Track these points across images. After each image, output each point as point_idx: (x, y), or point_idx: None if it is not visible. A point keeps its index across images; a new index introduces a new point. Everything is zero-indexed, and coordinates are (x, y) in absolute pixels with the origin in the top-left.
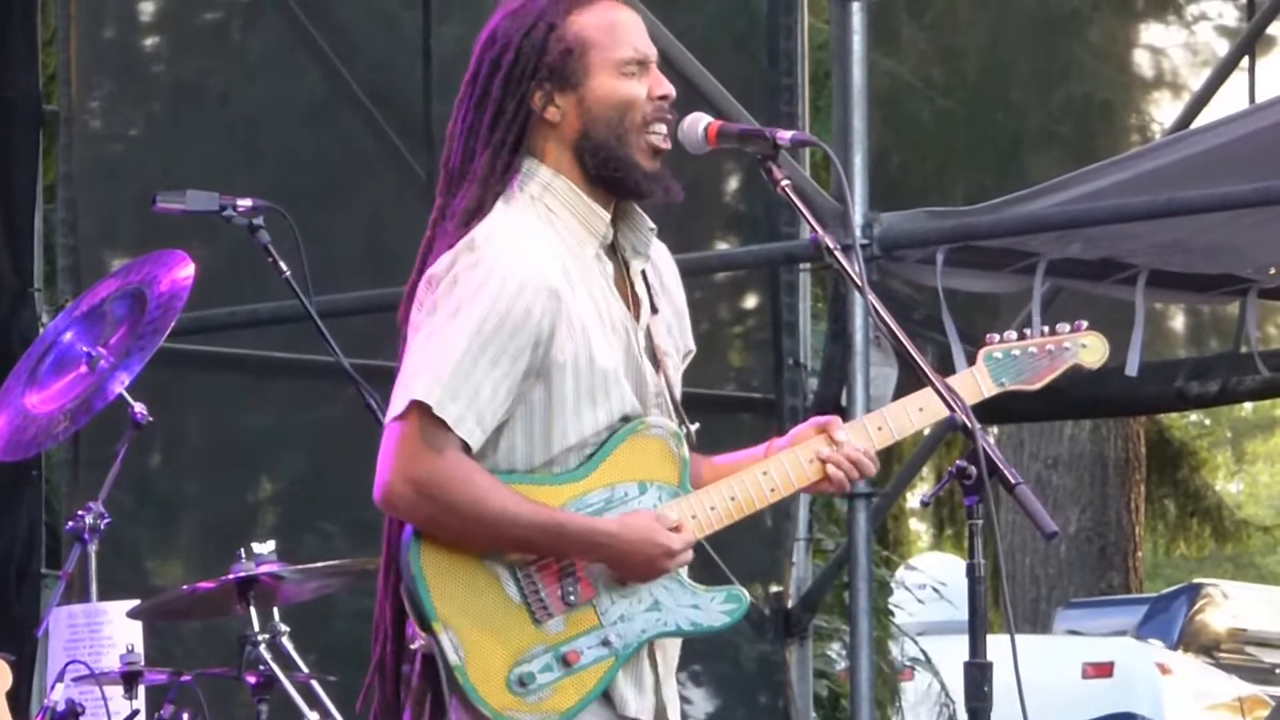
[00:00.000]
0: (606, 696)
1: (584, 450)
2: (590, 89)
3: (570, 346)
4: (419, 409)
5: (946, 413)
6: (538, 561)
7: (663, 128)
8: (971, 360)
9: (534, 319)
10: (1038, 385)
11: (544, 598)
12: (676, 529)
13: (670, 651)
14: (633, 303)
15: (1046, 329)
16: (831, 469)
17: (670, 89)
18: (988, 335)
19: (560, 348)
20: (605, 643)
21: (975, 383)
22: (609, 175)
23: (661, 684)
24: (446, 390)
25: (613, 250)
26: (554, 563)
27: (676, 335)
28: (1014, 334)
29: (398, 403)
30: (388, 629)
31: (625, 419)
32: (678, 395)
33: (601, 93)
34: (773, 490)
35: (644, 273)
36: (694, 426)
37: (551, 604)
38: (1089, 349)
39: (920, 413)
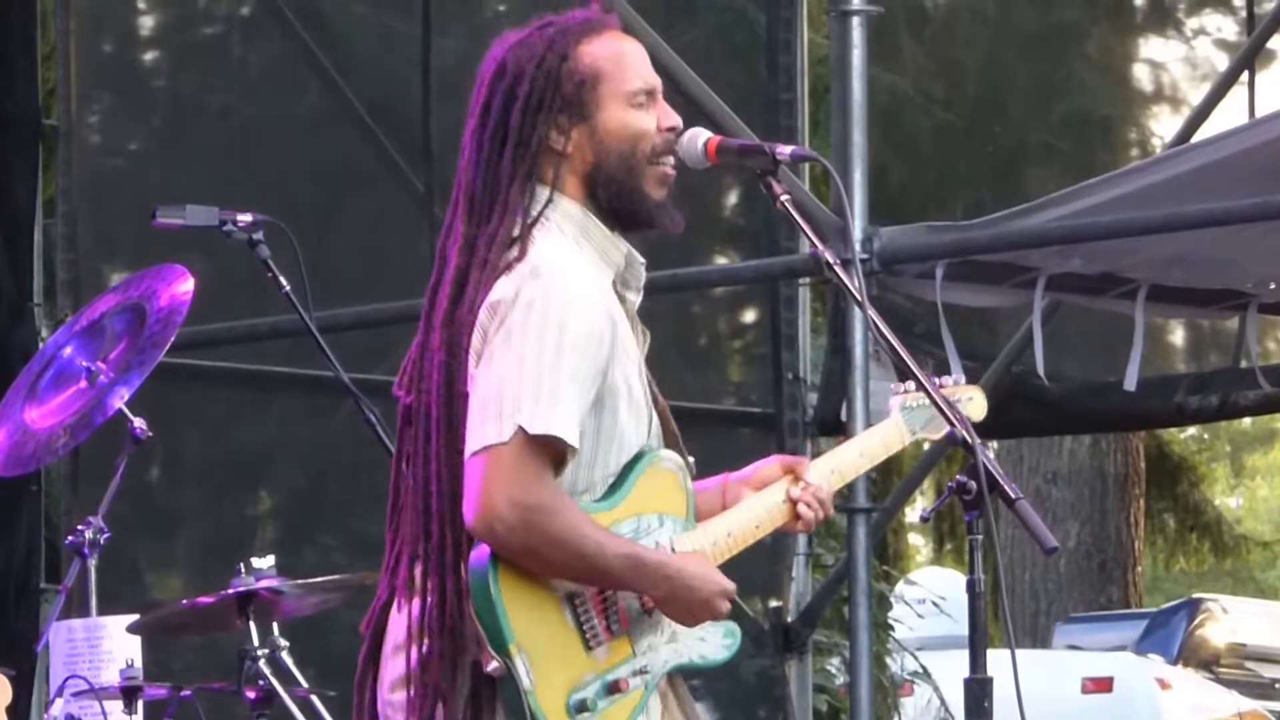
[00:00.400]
0: None
1: (608, 480)
2: (602, 121)
3: (621, 374)
4: (530, 437)
5: (888, 453)
6: (589, 590)
7: (671, 159)
8: (971, 377)
9: (605, 344)
10: (939, 436)
11: (595, 624)
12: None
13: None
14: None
15: (938, 379)
16: (803, 509)
17: (678, 120)
18: (893, 386)
19: (615, 375)
20: (641, 671)
21: (899, 431)
22: (620, 207)
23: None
24: (555, 417)
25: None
26: (599, 591)
27: None
28: (913, 385)
29: (498, 428)
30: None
31: (640, 453)
32: (675, 429)
33: (614, 125)
34: (757, 528)
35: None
36: (690, 460)
37: (601, 632)
38: (973, 403)
39: (860, 457)
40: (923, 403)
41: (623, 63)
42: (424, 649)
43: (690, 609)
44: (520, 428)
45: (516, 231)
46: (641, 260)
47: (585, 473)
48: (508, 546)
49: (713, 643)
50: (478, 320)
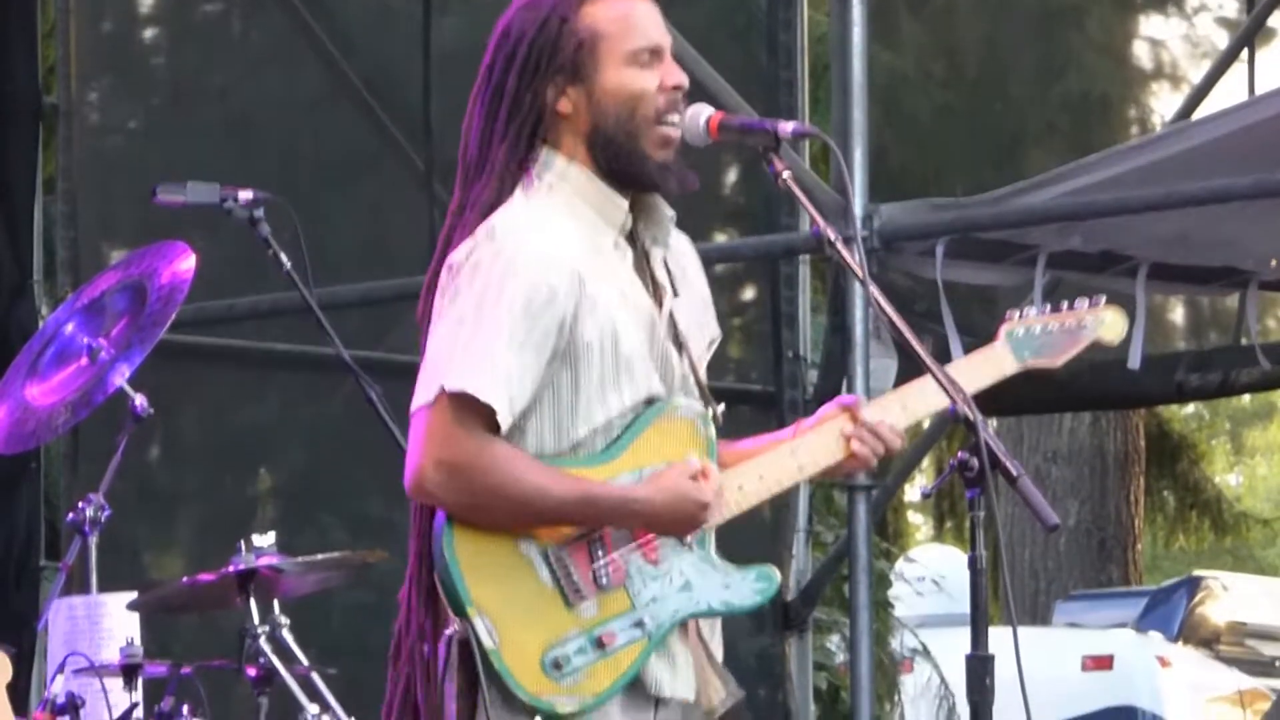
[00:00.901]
0: (638, 679)
1: (610, 433)
2: (600, 82)
3: (594, 329)
4: (449, 395)
5: (937, 407)
6: (570, 544)
7: (676, 118)
8: (973, 348)
9: (559, 302)
10: (1059, 362)
11: (576, 581)
12: (703, 474)
13: (710, 632)
14: (655, 289)
15: (1066, 304)
16: (856, 445)
17: (683, 78)
18: (1008, 312)
19: (584, 330)
20: (639, 624)
21: (997, 359)
22: (619, 168)
23: (702, 663)
24: (478, 375)
25: (633, 239)
26: (585, 545)
27: (701, 319)
28: (1033, 311)
29: (427, 390)
30: (419, 620)
31: (650, 401)
32: (703, 378)
33: (611, 85)
34: (800, 469)
35: (665, 260)
36: (719, 407)
37: (584, 587)
38: (1108, 325)
39: (903, 411)
40: (1038, 329)
41: (625, 22)
42: (402, 616)
43: (673, 531)
44: (441, 387)
45: (500, 192)
46: (670, 214)
47: (569, 428)
48: (447, 504)
49: (740, 588)
50: (441, 280)
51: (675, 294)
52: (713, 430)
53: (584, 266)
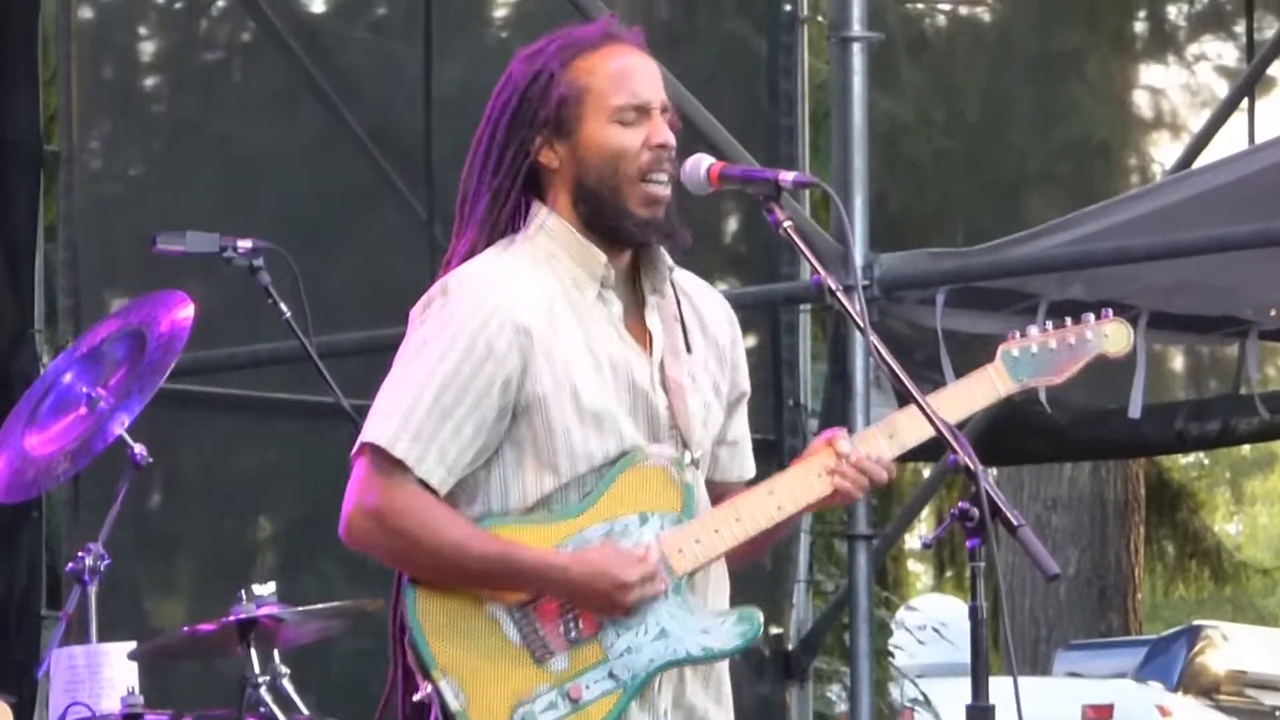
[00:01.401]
0: None
1: (583, 487)
2: (583, 137)
3: (549, 382)
4: (372, 448)
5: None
6: (535, 602)
7: (662, 176)
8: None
9: (498, 355)
10: (1061, 380)
11: (544, 637)
12: (640, 559)
13: (691, 679)
14: (647, 339)
15: (1069, 320)
16: (838, 480)
17: (669, 137)
18: (1009, 333)
19: (537, 385)
20: (611, 675)
21: (992, 381)
22: (602, 223)
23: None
24: (404, 429)
25: (635, 288)
26: (553, 601)
27: (716, 374)
28: (1034, 329)
29: (359, 442)
30: (398, 676)
31: (624, 453)
32: (695, 426)
33: (593, 142)
34: (779, 509)
35: (681, 312)
36: (699, 454)
37: (552, 643)
38: (1111, 338)
39: (890, 440)
40: (1036, 349)
41: (614, 78)
42: (388, 679)
43: (589, 606)
44: (364, 441)
45: (477, 245)
46: (668, 264)
47: (534, 482)
48: (374, 552)
49: (719, 632)
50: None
51: (689, 348)
52: (690, 475)
53: (538, 320)
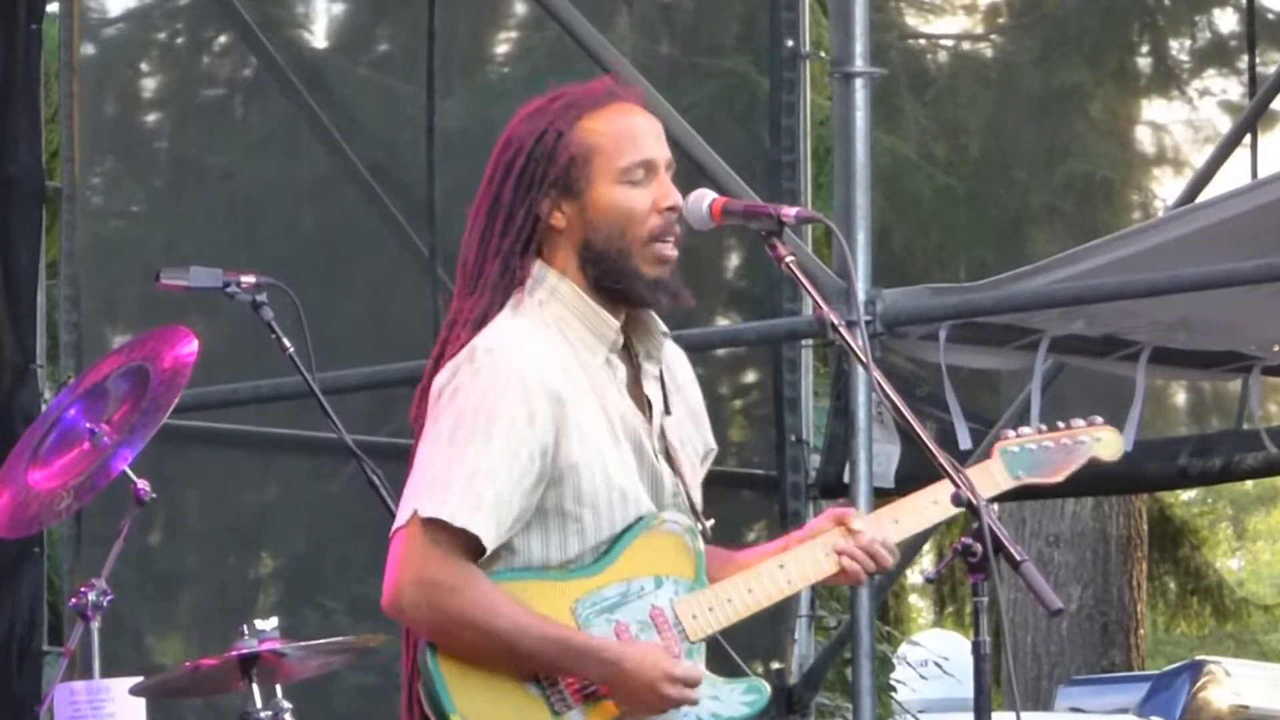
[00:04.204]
0: None
1: (599, 549)
2: (592, 198)
3: (579, 452)
4: (425, 520)
5: (961, 508)
6: None
7: (670, 239)
8: (976, 439)
9: (538, 425)
10: (1056, 479)
11: (563, 692)
12: (683, 680)
13: None
14: (646, 405)
15: (1061, 424)
16: (846, 561)
17: (679, 200)
18: (1004, 431)
19: (568, 453)
20: None
21: (991, 476)
22: (611, 284)
23: None
24: (452, 500)
25: (627, 353)
26: None
27: (693, 434)
28: (1029, 429)
29: (403, 513)
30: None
31: (640, 518)
32: (695, 494)
33: (602, 203)
34: (789, 583)
35: (661, 375)
36: (709, 523)
37: (570, 698)
38: (1104, 443)
39: (935, 505)
40: (1033, 446)
41: (620, 138)
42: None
43: (634, 697)
44: (415, 511)
45: (489, 309)
46: (664, 330)
47: (559, 548)
48: (417, 625)
49: (730, 700)
50: (429, 400)
51: (668, 411)
52: (701, 544)
53: (566, 387)
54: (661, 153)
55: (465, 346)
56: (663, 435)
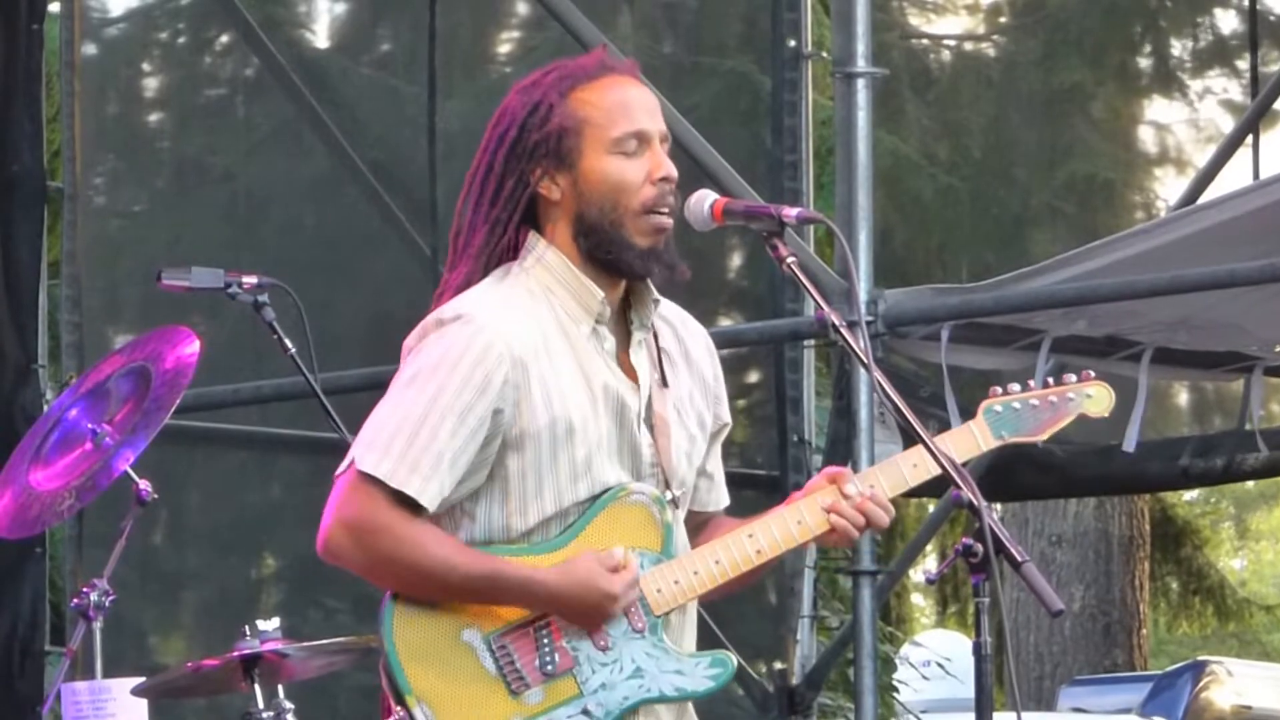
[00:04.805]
0: None
1: (565, 520)
2: (584, 169)
3: (545, 417)
4: (355, 469)
5: (932, 472)
6: (514, 631)
7: (665, 209)
8: None
9: (494, 386)
10: (1041, 437)
11: (520, 669)
12: (618, 568)
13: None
14: (635, 374)
15: (1051, 380)
16: (835, 519)
17: (672, 170)
18: (991, 389)
19: (531, 418)
20: (585, 712)
21: (973, 437)
22: (603, 255)
23: None
24: (398, 457)
25: (624, 323)
26: (530, 632)
27: (700, 407)
28: (1017, 386)
29: (346, 459)
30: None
31: (607, 489)
32: (678, 463)
33: (595, 174)
34: (758, 552)
35: (658, 343)
36: (679, 492)
37: (528, 675)
38: (1094, 399)
39: (914, 469)
40: (1019, 405)
41: (613, 109)
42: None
43: (577, 618)
44: (352, 460)
45: (472, 276)
46: (655, 298)
47: (519, 515)
48: (354, 567)
49: (694, 675)
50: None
51: (665, 383)
52: (670, 515)
53: (534, 352)
54: (655, 125)
55: (434, 311)
56: (649, 405)
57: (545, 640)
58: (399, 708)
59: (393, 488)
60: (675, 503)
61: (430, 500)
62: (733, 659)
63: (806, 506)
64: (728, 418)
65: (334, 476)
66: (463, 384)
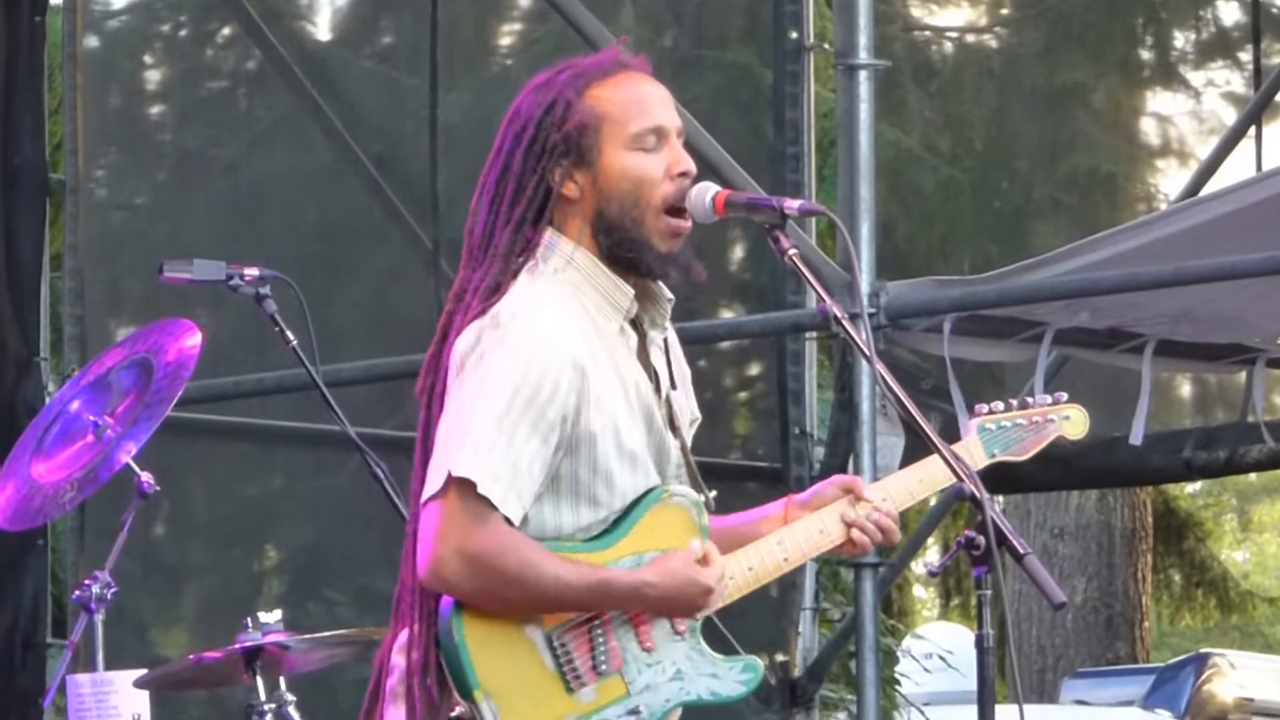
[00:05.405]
0: None
1: (609, 521)
2: (604, 166)
3: (598, 422)
4: (460, 485)
5: (945, 483)
6: (572, 629)
7: (684, 212)
8: None
9: (561, 394)
10: (1026, 456)
11: (577, 666)
12: (704, 560)
13: None
14: (654, 375)
15: (1031, 399)
16: (856, 533)
17: (690, 165)
18: (977, 406)
19: (587, 423)
20: (634, 711)
21: (970, 454)
22: (623, 254)
23: None
24: (487, 467)
25: (635, 322)
26: (587, 631)
27: (686, 406)
28: (1000, 405)
29: (437, 479)
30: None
31: (649, 490)
32: (693, 465)
33: (615, 170)
34: (785, 560)
35: (666, 345)
36: (712, 494)
37: (584, 672)
38: (1071, 421)
39: (920, 484)
40: (1008, 424)
41: (630, 105)
42: (411, 696)
43: (679, 613)
44: (449, 474)
45: (501, 277)
46: (669, 297)
47: (570, 515)
48: (463, 593)
49: (727, 679)
50: (450, 367)
51: (674, 383)
52: (706, 517)
53: (586, 357)
54: (671, 120)
55: (484, 313)
56: (669, 405)
57: (600, 638)
58: (464, 703)
59: (503, 513)
60: (708, 504)
61: (519, 512)
62: (760, 664)
63: (828, 516)
64: (698, 413)
65: (424, 500)
66: (535, 390)
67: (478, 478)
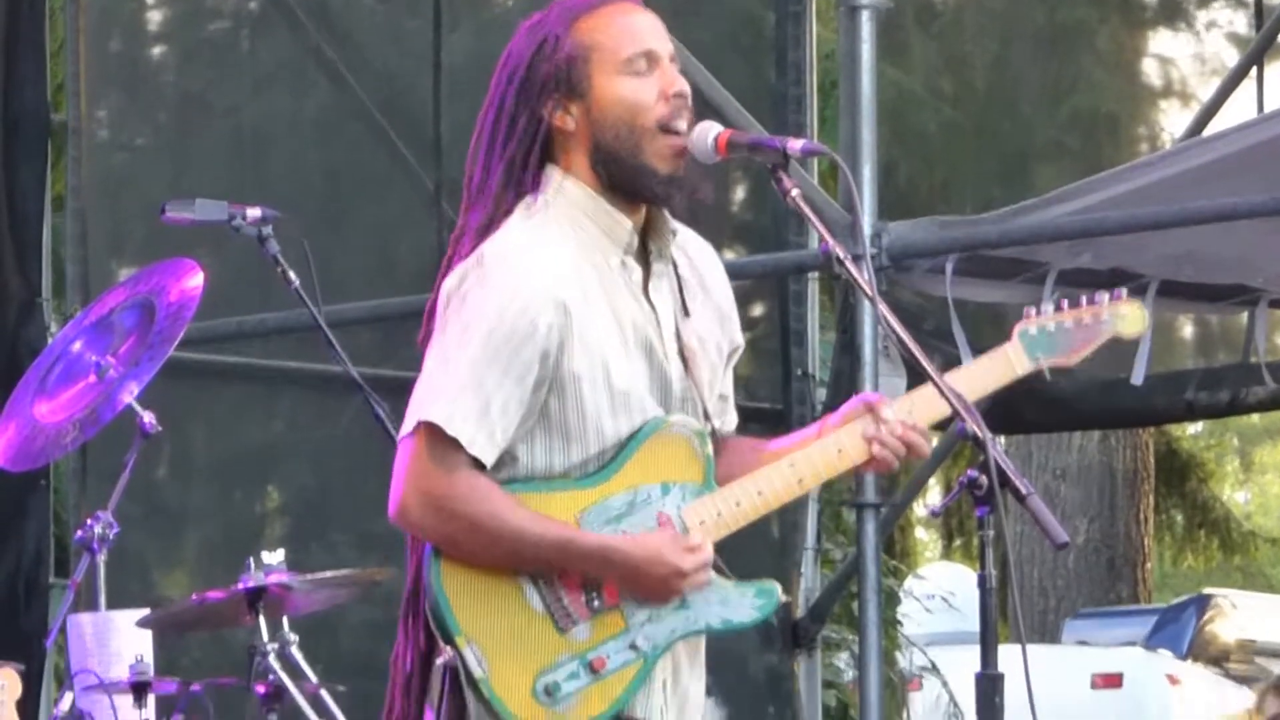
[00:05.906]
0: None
1: (605, 456)
2: (596, 94)
3: (584, 360)
4: (429, 428)
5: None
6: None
7: (682, 125)
8: None
9: (540, 333)
10: (1075, 360)
11: (567, 605)
12: (693, 549)
13: (683, 653)
14: (659, 308)
15: (1085, 299)
16: (878, 449)
17: (684, 85)
18: (1025, 309)
19: (573, 360)
20: (633, 646)
21: (1009, 360)
22: (624, 182)
23: (669, 685)
24: (456, 409)
25: (644, 254)
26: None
27: (717, 334)
28: (1050, 307)
29: (408, 422)
30: (419, 646)
31: (646, 423)
32: (708, 394)
33: (608, 97)
34: (799, 482)
35: (678, 273)
36: (719, 423)
37: (575, 611)
38: (1127, 319)
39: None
40: (1052, 327)
41: (618, 32)
42: (399, 638)
43: (645, 590)
44: (419, 420)
45: (494, 215)
46: (673, 226)
47: (561, 455)
48: (427, 536)
49: (740, 605)
50: (437, 308)
51: (687, 312)
52: (710, 448)
53: (574, 294)
54: (663, 44)
55: (472, 254)
56: (677, 337)
57: (591, 575)
58: (448, 648)
59: (460, 446)
60: (714, 434)
61: (491, 454)
62: (778, 588)
63: (846, 434)
64: (741, 340)
65: (398, 439)
66: (511, 331)
67: (444, 418)
